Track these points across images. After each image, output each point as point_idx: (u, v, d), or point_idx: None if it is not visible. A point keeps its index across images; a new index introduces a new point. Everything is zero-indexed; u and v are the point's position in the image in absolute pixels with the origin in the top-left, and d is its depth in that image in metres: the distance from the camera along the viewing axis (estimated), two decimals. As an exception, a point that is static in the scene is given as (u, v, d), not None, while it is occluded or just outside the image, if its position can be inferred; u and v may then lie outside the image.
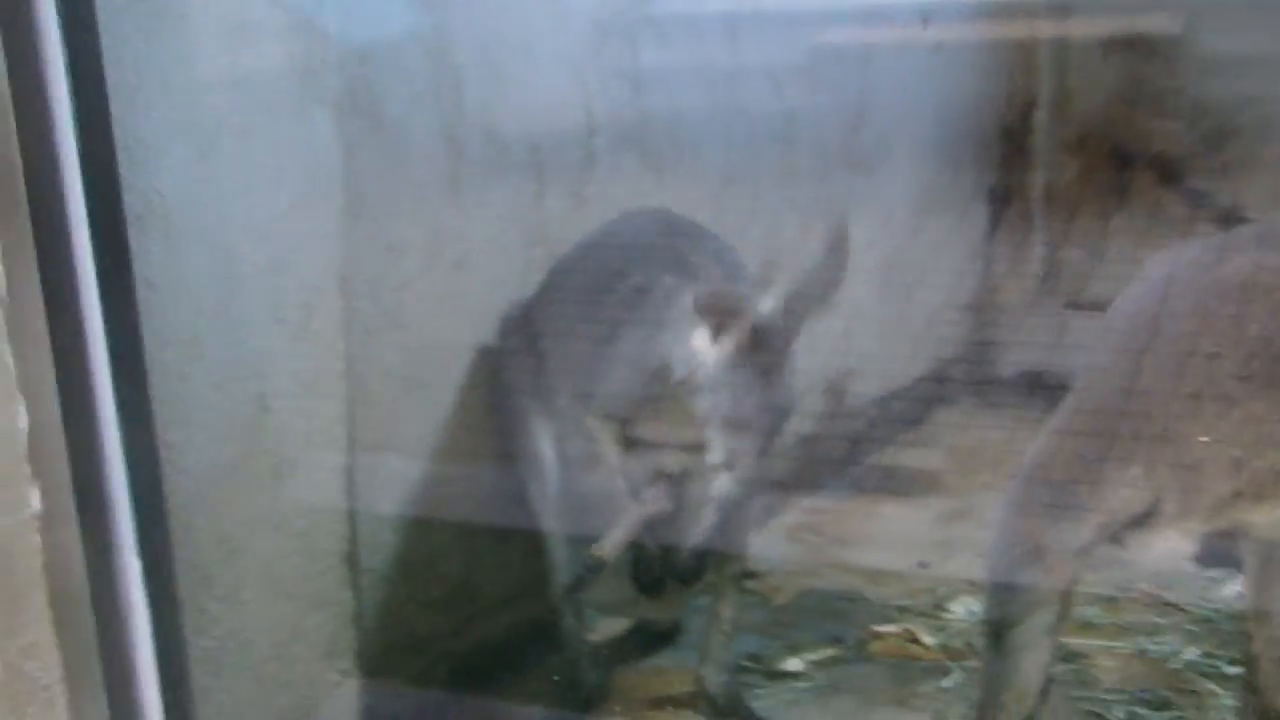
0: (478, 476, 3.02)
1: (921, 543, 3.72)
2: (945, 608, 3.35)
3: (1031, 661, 2.59)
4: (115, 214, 2.19)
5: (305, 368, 2.54)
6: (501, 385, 2.97)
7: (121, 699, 2.22)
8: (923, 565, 3.62)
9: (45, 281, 2.08)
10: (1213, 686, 2.87)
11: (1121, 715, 2.81)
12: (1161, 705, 2.83)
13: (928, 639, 3.17)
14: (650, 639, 3.29)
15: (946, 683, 3.02)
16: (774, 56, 3.79)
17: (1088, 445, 2.57)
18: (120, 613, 2.21)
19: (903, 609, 3.38)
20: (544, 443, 2.92)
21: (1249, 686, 2.79)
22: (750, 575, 3.04)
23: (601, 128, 3.30)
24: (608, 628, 3.13)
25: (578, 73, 3.25)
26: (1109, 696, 2.87)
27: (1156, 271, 2.69)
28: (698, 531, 2.78)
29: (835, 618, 3.36)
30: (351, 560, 2.63)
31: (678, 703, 2.99)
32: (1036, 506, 2.60)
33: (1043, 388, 4.09)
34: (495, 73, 3.01)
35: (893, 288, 4.09)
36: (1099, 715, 2.81)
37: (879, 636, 3.20)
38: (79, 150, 2.12)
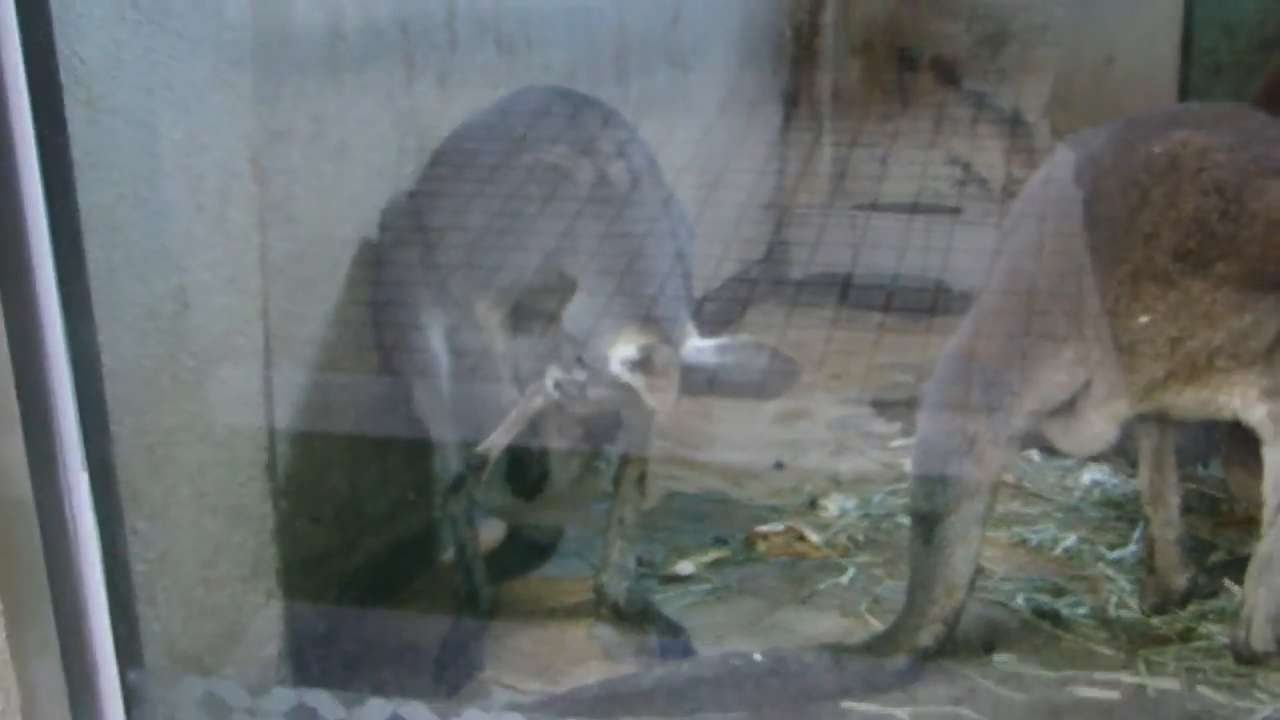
0: (368, 382, 2.85)
1: (767, 442, 3.75)
2: (819, 505, 3.38)
3: (962, 554, 2.64)
4: (51, 84, 1.95)
5: (223, 259, 2.33)
6: (389, 279, 2.81)
7: (71, 633, 2.01)
8: (779, 465, 3.65)
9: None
10: (1107, 571, 2.99)
11: (1022, 603, 2.89)
12: (1059, 592, 2.94)
13: (811, 536, 3.19)
14: (529, 550, 3.19)
15: (843, 579, 3.04)
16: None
17: (1017, 329, 2.62)
18: (69, 534, 1.99)
19: (776, 509, 3.39)
20: (434, 336, 2.79)
21: (1147, 568, 2.93)
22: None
23: (460, 11, 3.15)
24: (483, 539, 2.97)
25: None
26: (1005, 585, 2.95)
27: (1070, 156, 2.76)
28: (569, 431, 2.72)
29: (710, 520, 3.36)
30: (271, 471, 2.44)
31: (577, 611, 2.92)
32: (965, 395, 2.63)
33: (839, 287, 4.20)
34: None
35: (703, 190, 4.09)
36: (1002, 604, 2.88)
37: (765, 537, 3.21)
38: (16, 8, 1.87)
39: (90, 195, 2.04)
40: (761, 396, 2.64)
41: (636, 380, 2.47)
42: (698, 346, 2.55)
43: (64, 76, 1.98)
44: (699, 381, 2.59)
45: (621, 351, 2.51)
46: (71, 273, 1.95)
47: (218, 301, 2.34)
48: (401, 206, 2.85)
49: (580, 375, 2.54)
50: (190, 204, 2.27)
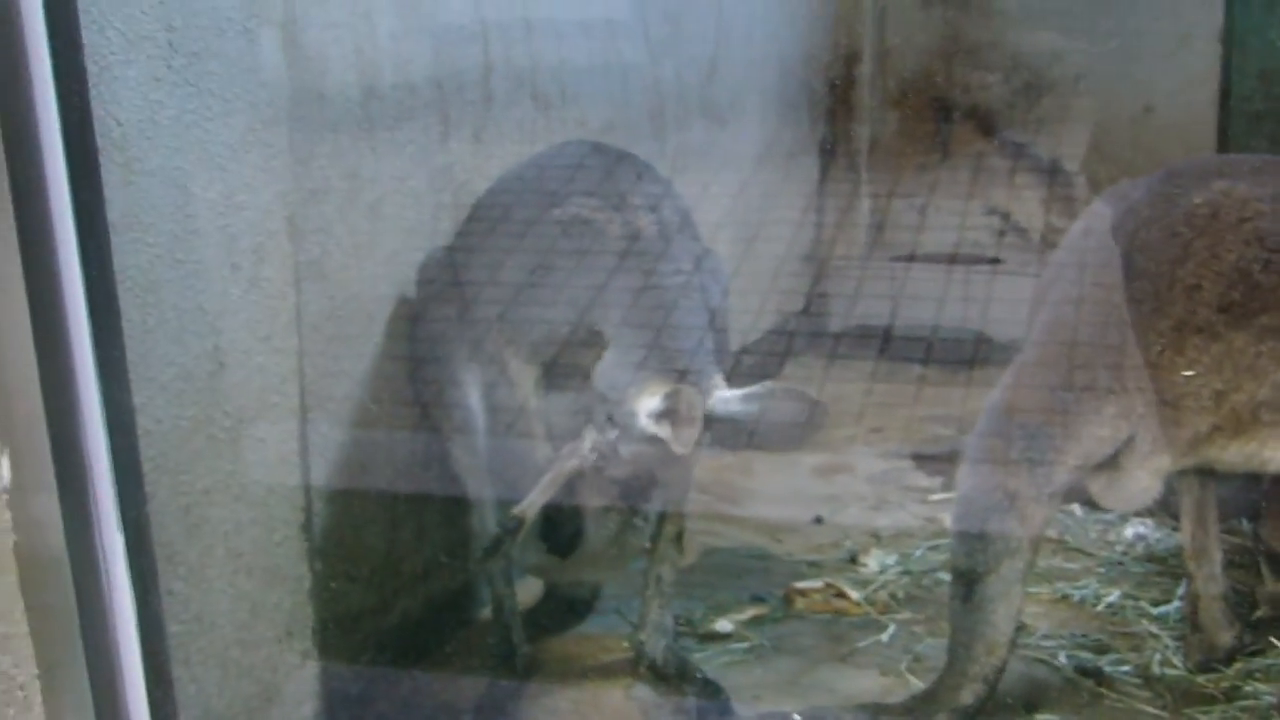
0: (404, 440, 2.85)
1: (808, 497, 3.73)
2: (859, 561, 3.36)
3: (1003, 611, 2.61)
4: (87, 145, 1.97)
5: (259, 318, 2.34)
6: (425, 335, 2.82)
7: (107, 697, 2.00)
8: (818, 520, 3.63)
9: (19, 217, 1.83)
10: (1150, 628, 2.95)
11: (1064, 660, 2.86)
12: (1102, 649, 2.90)
13: (851, 593, 3.17)
14: (567, 608, 3.18)
15: (883, 637, 3.02)
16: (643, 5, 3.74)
17: (1059, 383, 2.59)
18: (103, 597, 1.99)
19: (815, 564, 3.37)
20: (471, 392, 2.78)
21: (1191, 624, 2.89)
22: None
23: (497, 65, 3.17)
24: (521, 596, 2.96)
25: (477, 8, 3.11)
26: (1047, 643, 2.92)
27: (1108, 209, 2.74)
28: (612, 491, 2.72)
29: (749, 576, 3.34)
30: (308, 530, 2.44)
31: (615, 670, 2.90)
32: (1006, 451, 2.61)
33: (878, 339, 4.18)
34: (402, 2, 2.85)
35: (741, 243, 4.09)
36: (1044, 662, 2.85)
37: (803, 594, 3.19)
38: (53, 72, 1.88)
39: (126, 256, 2.06)
40: (791, 444, 2.62)
41: (663, 430, 2.47)
42: (724, 397, 2.55)
43: (100, 139, 1.99)
44: (728, 432, 2.59)
45: (647, 404, 2.51)
46: (107, 334, 1.95)
47: (253, 361, 2.35)
48: (438, 262, 2.86)
49: (613, 434, 2.54)
50: (225, 263, 2.29)
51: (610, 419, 2.55)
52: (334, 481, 2.64)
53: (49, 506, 1.92)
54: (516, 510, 2.55)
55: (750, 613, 3.13)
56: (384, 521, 2.85)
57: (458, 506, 2.99)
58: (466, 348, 2.80)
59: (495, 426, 2.81)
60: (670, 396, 2.47)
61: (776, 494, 3.74)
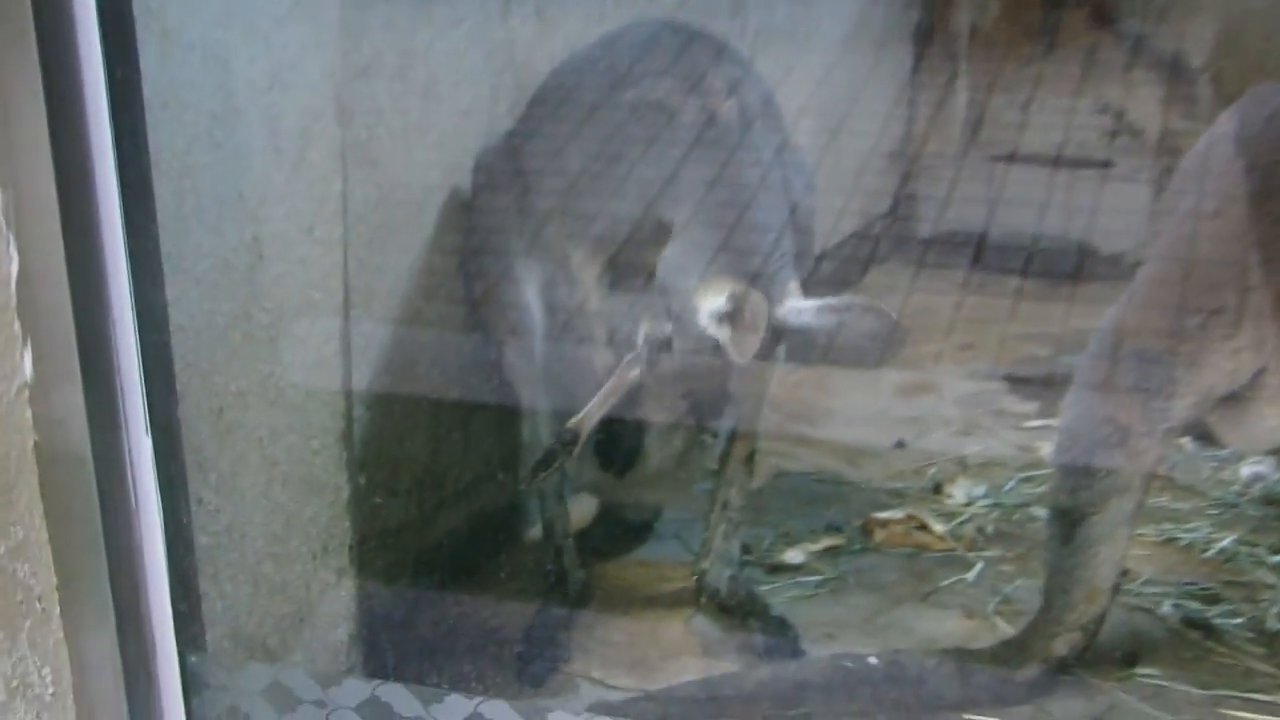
0: (454, 342, 2.85)
1: (889, 419, 3.71)
2: (944, 491, 3.34)
3: (1106, 555, 2.59)
4: (123, 15, 1.94)
5: (302, 207, 2.33)
6: (481, 227, 2.80)
7: (129, 611, 2.01)
8: (901, 445, 3.61)
9: (49, 92, 1.82)
10: (1267, 577, 2.93)
11: (1169, 610, 2.84)
12: (1212, 599, 2.88)
13: (935, 526, 3.16)
14: (624, 531, 3.19)
15: (969, 576, 3.00)
16: None
17: (1183, 307, 2.55)
18: (129, 504, 2.00)
19: (896, 493, 3.36)
20: (528, 291, 2.77)
21: (1312, 575, 2.86)
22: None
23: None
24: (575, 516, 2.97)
25: None
26: (1151, 590, 2.90)
27: (1246, 114, 2.67)
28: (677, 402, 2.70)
29: (823, 504, 3.33)
30: (347, 438, 2.45)
31: (674, 601, 2.91)
32: (1120, 380, 2.57)
33: (971, 247, 4.13)
34: None
35: (823, 135, 4.04)
36: (1147, 611, 2.83)
37: (882, 525, 3.18)
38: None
39: (161, 137, 2.04)
40: (866, 363, 2.60)
41: (722, 333, 2.45)
42: (798, 307, 2.52)
43: (137, 7, 1.97)
44: (799, 345, 2.58)
45: (710, 303, 2.49)
46: (140, 220, 1.95)
47: (295, 253, 2.34)
48: (498, 149, 2.84)
49: (668, 329, 2.53)
50: (268, 147, 2.27)
51: (669, 313, 2.54)
52: (377, 386, 2.64)
53: (73, 405, 1.92)
54: (572, 423, 2.54)
55: (824, 543, 3.12)
56: (429, 431, 2.86)
57: (509, 416, 2.99)
58: (525, 242, 2.78)
59: (553, 329, 2.80)
60: (735, 298, 2.46)
61: (855, 415, 3.72)
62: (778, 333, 2.52)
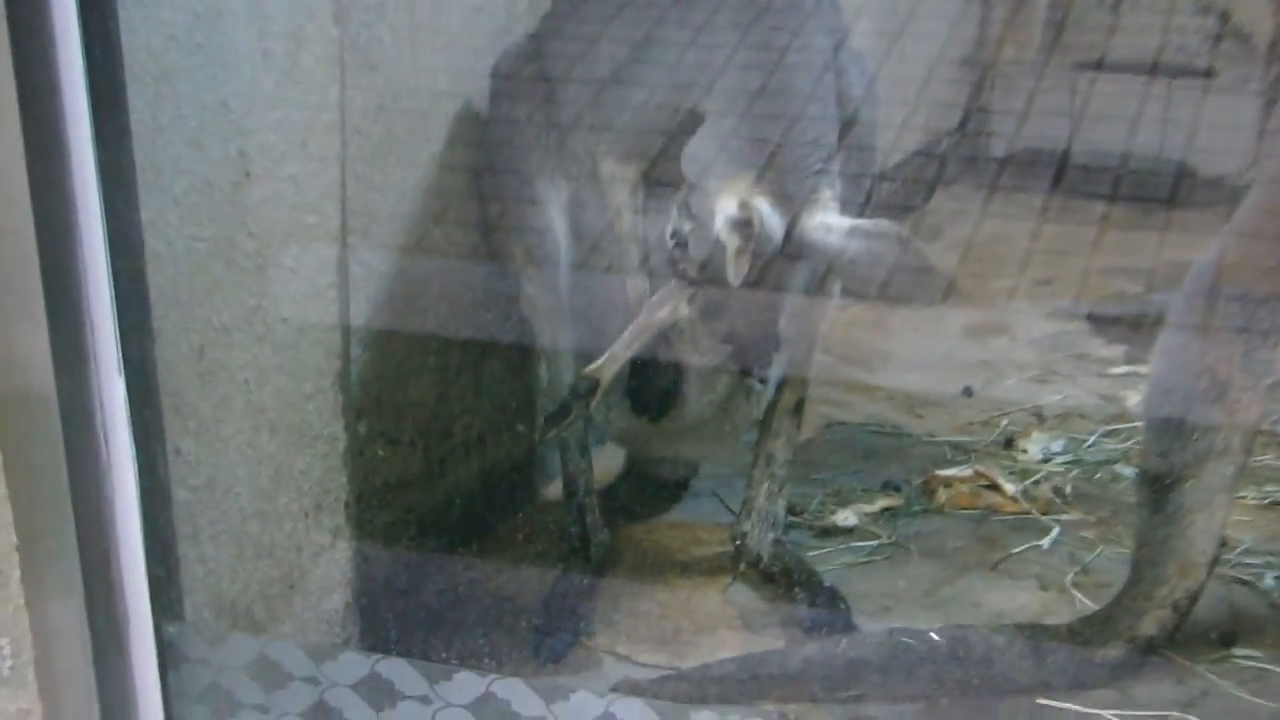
0: (465, 271, 2.86)
1: (955, 364, 3.71)
2: (1017, 446, 3.34)
3: (1203, 525, 2.58)
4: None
5: (294, 118, 2.33)
6: (498, 141, 2.80)
7: (99, 576, 2.02)
8: (968, 392, 3.61)
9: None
10: (1385, 549, 2.94)
11: (1272, 583, 2.84)
12: (1321, 571, 2.88)
13: (1007, 485, 3.16)
14: (655, 487, 3.20)
15: (1044, 542, 3.01)
16: None
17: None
18: (99, 455, 2.00)
19: (962, 448, 3.36)
20: (552, 212, 2.77)
21: None
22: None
23: None
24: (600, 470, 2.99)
25: None
26: (1252, 559, 2.90)
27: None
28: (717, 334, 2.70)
29: (880, 459, 3.34)
30: (344, 382, 2.46)
31: (711, 567, 2.93)
32: (1220, 324, 2.56)
33: (1052, 168, 4.12)
34: None
35: (885, 39, 4.02)
36: (1246, 584, 2.83)
37: (946, 483, 3.19)
38: None
39: (136, 37, 2.04)
40: (890, 299, 2.59)
41: (731, 242, 2.46)
42: (826, 224, 2.51)
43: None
44: (818, 265, 2.58)
45: (726, 204, 2.50)
46: (111, 132, 1.95)
47: (286, 170, 2.34)
48: (518, 51, 2.84)
49: (686, 225, 2.53)
50: (255, 50, 2.27)
51: (687, 208, 2.55)
52: (378, 323, 2.65)
53: (36, 342, 1.92)
54: (591, 369, 2.54)
55: (880, 504, 3.14)
56: (436, 374, 2.87)
57: (527, 357, 3.01)
58: (548, 157, 2.78)
59: (579, 256, 2.80)
60: (749, 209, 2.46)
61: (917, 358, 3.72)
62: (796, 249, 2.51)
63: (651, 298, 2.59)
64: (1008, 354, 3.61)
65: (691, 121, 2.59)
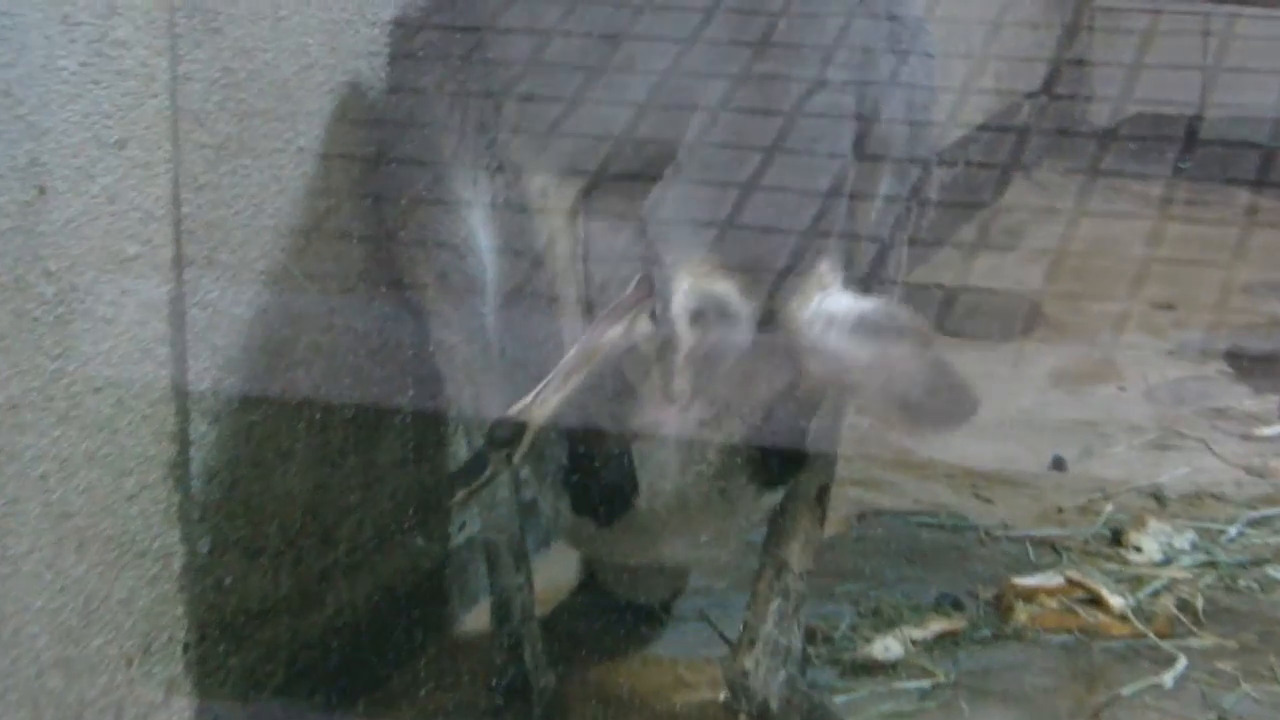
0: (350, 310, 2.89)
1: (1040, 423, 3.75)
2: (1128, 542, 3.38)
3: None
4: None
5: (107, 111, 2.36)
6: (400, 125, 2.83)
7: None
8: (1058, 465, 3.65)
9: None
10: None
11: None
12: None
13: (1113, 599, 3.20)
14: (620, 608, 3.24)
15: (1168, 678, 3.05)
16: None
17: None
18: None
19: (1050, 544, 3.41)
20: (474, 219, 2.81)
21: None
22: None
23: None
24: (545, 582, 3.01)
25: None
26: None
27: None
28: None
29: (933, 562, 3.38)
30: (181, 472, 2.49)
31: (698, 718, 2.95)
32: None
33: (1176, 142, 4.17)
34: None
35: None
36: None
37: (1027, 597, 3.21)
38: None
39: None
40: (896, 419, 2.65)
41: (683, 340, 2.52)
42: (827, 311, 2.57)
43: None
44: (799, 361, 2.62)
45: (682, 288, 2.55)
46: None
47: (97, 182, 2.38)
48: (427, 7, 2.88)
49: (659, 307, 2.58)
50: (51, 17, 2.30)
51: (652, 283, 2.60)
52: (229, 389, 2.68)
53: None
54: (516, 409, 2.58)
55: (935, 627, 3.16)
56: (311, 458, 2.90)
57: (438, 430, 3.03)
58: (469, 144, 2.82)
59: (513, 284, 2.84)
60: (710, 301, 2.51)
61: (988, 416, 3.76)
62: (783, 349, 2.57)
63: (600, 313, 2.63)
64: (1114, 410, 3.65)
65: (657, 158, 2.63)
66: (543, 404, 2.52)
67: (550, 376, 2.53)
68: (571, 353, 2.55)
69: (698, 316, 2.47)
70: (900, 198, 2.81)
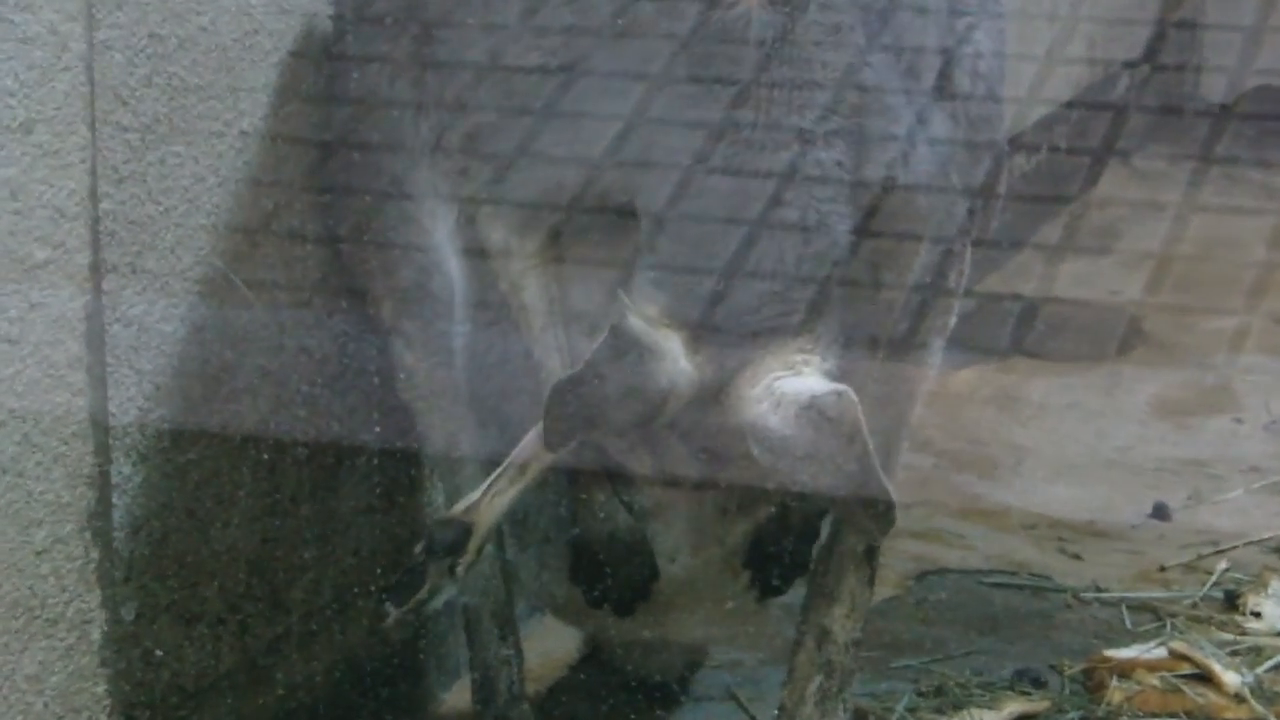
0: (303, 328, 2.92)
1: (1136, 463, 3.77)
2: (1244, 607, 3.40)
3: None
4: None
5: (9, 89, 2.39)
6: (353, 113, 2.87)
7: None
8: (1160, 514, 3.67)
9: None
10: None
11: None
12: None
13: (1227, 675, 3.22)
14: (630, 685, 3.26)
15: (1293, 770, 3.07)
16: None
17: None
18: None
19: (1151, 610, 3.42)
20: (440, 230, 2.84)
21: None
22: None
23: None
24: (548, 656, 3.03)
25: None
26: None
27: None
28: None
29: (1010, 630, 3.39)
30: (101, 523, 2.52)
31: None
32: None
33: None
34: None
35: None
36: None
37: (1123, 672, 3.24)
38: None
39: None
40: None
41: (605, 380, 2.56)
42: (779, 389, 2.61)
43: None
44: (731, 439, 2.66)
45: (611, 327, 2.59)
46: None
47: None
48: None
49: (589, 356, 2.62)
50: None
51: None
52: (157, 422, 2.70)
53: None
54: (461, 508, 2.61)
55: (1012, 709, 3.18)
56: (257, 505, 2.92)
57: (408, 467, 3.05)
58: (429, 153, 2.86)
59: (484, 310, 2.87)
60: (622, 334, 2.55)
61: (1072, 456, 3.78)
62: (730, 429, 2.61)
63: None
64: (1228, 447, 3.66)
65: (618, 210, 2.67)
66: (492, 501, 2.58)
67: (503, 467, 2.58)
68: (528, 437, 2.57)
69: (618, 353, 2.49)
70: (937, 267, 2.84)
